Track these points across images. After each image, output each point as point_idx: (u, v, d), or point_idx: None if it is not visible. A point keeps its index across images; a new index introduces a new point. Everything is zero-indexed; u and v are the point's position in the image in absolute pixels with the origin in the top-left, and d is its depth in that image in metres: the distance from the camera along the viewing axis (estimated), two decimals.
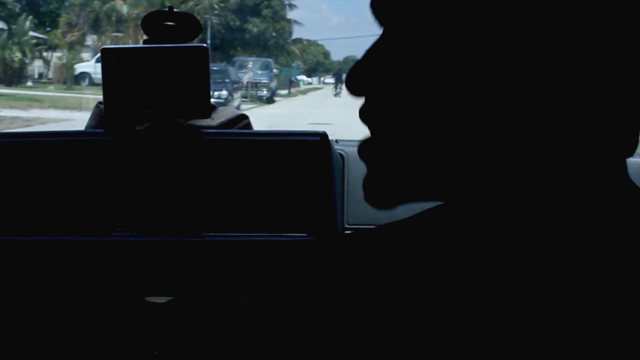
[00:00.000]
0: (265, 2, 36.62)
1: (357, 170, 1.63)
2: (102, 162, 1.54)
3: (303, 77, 70.88)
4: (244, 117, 1.71)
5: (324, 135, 1.55)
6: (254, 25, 36.14)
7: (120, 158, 1.54)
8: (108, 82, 1.49)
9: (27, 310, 1.50)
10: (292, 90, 39.40)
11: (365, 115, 0.51)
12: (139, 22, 1.84)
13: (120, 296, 1.51)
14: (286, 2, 47.37)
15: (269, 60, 30.57)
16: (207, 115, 1.53)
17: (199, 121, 1.58)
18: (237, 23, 36.72)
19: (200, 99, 1.50)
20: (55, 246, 1.52)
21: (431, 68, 0.46)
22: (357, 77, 0.50)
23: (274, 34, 36.47)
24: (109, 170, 1.54)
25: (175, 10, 1.50)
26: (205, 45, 1.51)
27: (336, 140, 1.73)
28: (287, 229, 1.52)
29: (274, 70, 30.07)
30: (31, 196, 1.54)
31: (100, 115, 1.64)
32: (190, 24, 1.53)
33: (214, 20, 36.86)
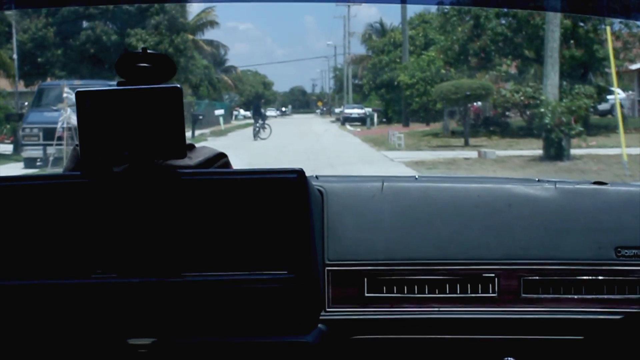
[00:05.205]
0: (156, 7, 25.00)
1: (336, 205, 1.74)
2: (80, 204, 1.61)
3: (239, 111, 59.86)
4: (223, 156, 1.86)
5: (300, 173, 1.65)
6: (138, 39, 24.54)
7: (98, 200, 1.61)
8: (83, 125, 1.53)
9: (6, 354, 1.54)
10: (207, 130, 28.03)
11: None
12: None
13: (101, 338, 1.55)
14: (204, 19, 36.07)
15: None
16: (182, 155, 1.61)
17: (177, 161, 1.65)
18: (113, 37, 25.22)
19: (174, 139, 1.56)
20: (33, 289, 1.57)
21: None
22: None
23: (169, 50, 24.84)
24: (86, 212, 1.61)
25: (148, 51, 1.63)
26: (178, 85, 1.54)
27: (316, 177, 1.84)
28: (267, 267, 1.61)
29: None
30: (7, 240, 1.59)
31: (77, 158, 1.69)
32: (164, 65, 1.65)
33: (87, 33, 25.45)
